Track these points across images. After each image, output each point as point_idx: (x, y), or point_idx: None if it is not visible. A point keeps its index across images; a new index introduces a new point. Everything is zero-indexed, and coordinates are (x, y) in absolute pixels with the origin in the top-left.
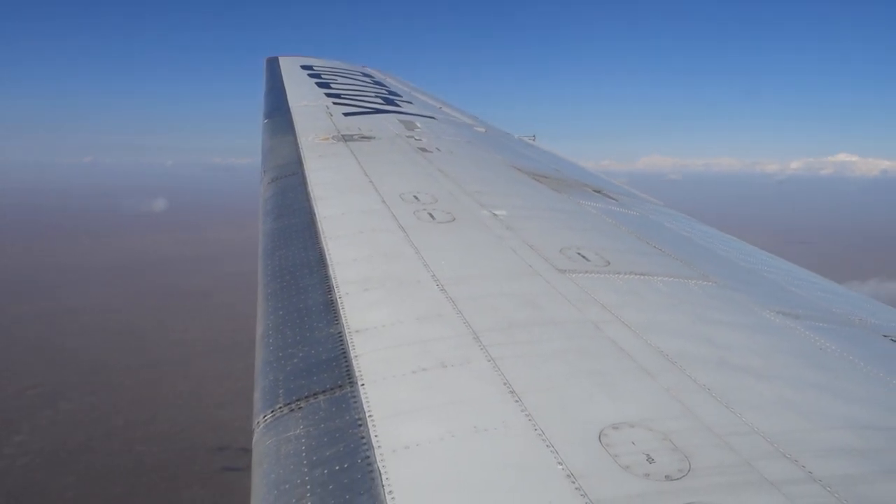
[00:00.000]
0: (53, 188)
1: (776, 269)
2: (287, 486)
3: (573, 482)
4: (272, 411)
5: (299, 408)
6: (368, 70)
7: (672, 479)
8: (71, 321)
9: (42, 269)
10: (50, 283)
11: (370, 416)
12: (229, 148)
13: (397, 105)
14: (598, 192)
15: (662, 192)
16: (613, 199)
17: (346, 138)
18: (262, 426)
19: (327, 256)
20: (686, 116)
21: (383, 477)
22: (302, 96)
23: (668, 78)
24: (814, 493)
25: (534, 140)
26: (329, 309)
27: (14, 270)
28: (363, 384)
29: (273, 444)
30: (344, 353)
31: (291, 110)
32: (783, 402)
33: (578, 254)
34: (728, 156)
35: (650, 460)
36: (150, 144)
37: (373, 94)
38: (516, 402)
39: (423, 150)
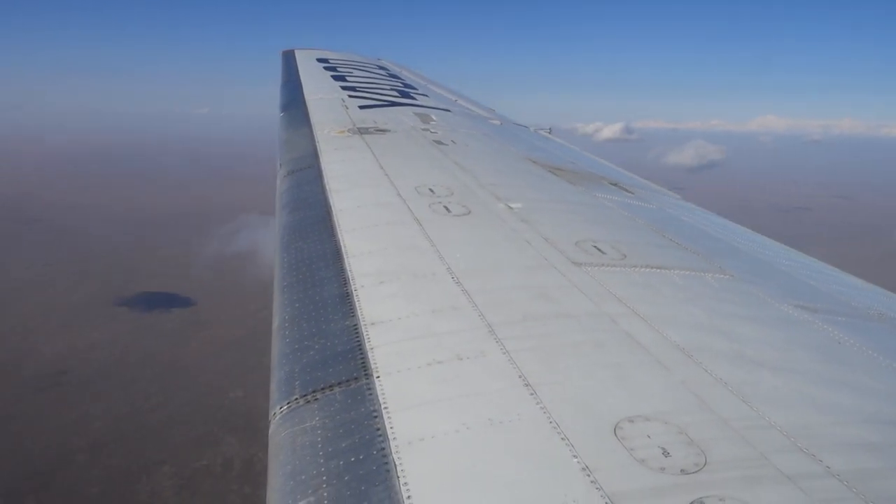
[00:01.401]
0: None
1: (794, 262)
2: (303, 477)
3: (588, 475)
4: (288, 403)
5: (315, 399)
6: (384, 62)
7: (687, 473)
8: None
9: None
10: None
11: (385, 407)
12: None
13: (413, 98)
14: (615, 184)
15: (801, 154)
16: (630, 191)
17: (362, 131)
18: (278, 417)
19: (343, 249)
20: (807, 72)
21: (398, 468)
22: (318, 89)
23: (788, 28)
24: (830, 488)
25: (549, 133)
26: (344, 301)
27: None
28: (378, 376)
29: (289, 435)
30: (359, 345)
31: (307, 103)
32: (800, 395)
33: (594, 247)
34: (850, 117)
35: (666, 454)
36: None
37: (388, 87)
38: (531, 394)
39: (439, 142)
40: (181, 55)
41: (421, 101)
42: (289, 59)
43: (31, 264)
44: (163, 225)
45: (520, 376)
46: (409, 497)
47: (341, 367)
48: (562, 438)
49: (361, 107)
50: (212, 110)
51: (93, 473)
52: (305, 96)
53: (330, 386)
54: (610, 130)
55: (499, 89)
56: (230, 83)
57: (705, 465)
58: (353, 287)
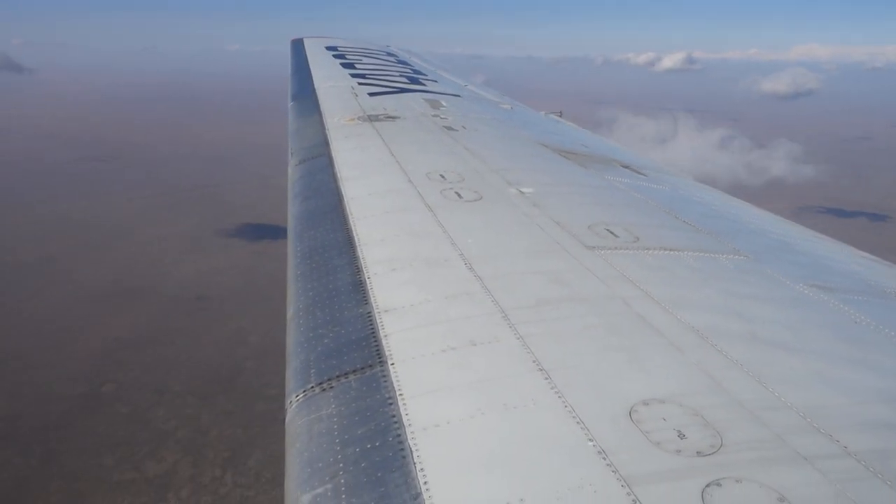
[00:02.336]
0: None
1: (810, 241)
2: (320, 465)
3: (604, 458)
4: (304, 391)
5: (331, 387)
6: (392, 49)
7: (704, 455)
8: None
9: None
10: None
11: (400, 394)
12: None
13: (422, 84)
14: (627, 167)
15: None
16: (642, 174)
17: (372, 118)
18: (294, 406)
19: (355, 237)
20: None
21: (414, 454)
22: (327, 77)
23: None
24: (848, 468)
25: (560, 116)
26: (358, 289)
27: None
28: (393, 363)
29: (305, 423)
30: (373, 332)
31: (317, 91)
32: (816, 375)
33: (607, 230)
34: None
35: (681, 436)
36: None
37: (397, 74)
38: (546, 379)
39: (449, 128)
40: None
41: (430, 86)
42: (298, 48)
43: (127, 200)
44: (236, 158)
45: (534, 361)
46: (425, 482)
47: (356, 354)
48: (577, 422)
49: (371, 94)
50: (242, 46)
51: (266, 378)
52: (315, 85)
53: (345, 374)
54: (671, 60)
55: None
56: (252, 19)
57: (721, 446)
58: (366, 275)
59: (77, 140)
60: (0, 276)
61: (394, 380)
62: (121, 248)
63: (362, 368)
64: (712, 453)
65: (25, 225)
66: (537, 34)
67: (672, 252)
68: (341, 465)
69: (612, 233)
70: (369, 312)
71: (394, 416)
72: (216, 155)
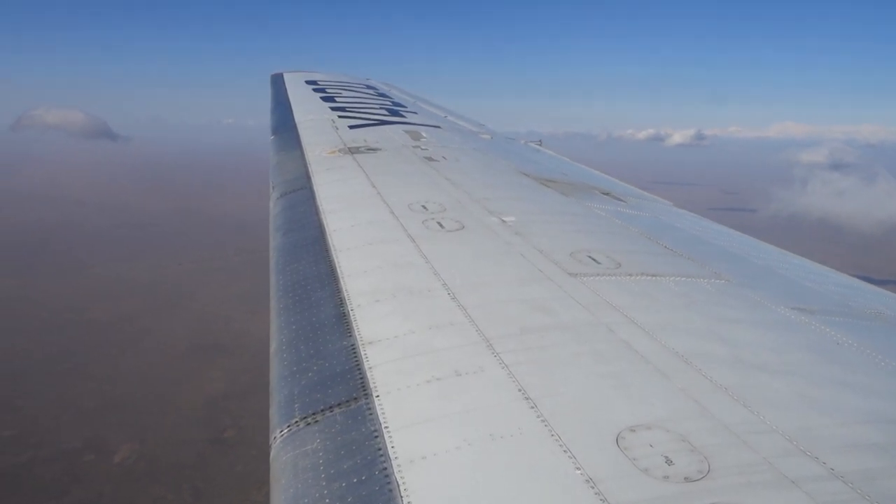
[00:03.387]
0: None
1: (790, 264)
2: (306, 501)
3: (592, 487)
4: (288, 426)
5: (315, 421)
6: (372, 82)
7: (692, 481)
8: None
9: None
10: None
11: (386, 427)
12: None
13: (402, 115)
14: (607, 194)
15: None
16: (622, 200)
17: (353, 151)
18: (278, 441)
19: (338, 269)
20: (825, 79)
21: (401, 488)
22: (307, 111)
23: (804, 33)
24: (836, 490)
25: (540, 145)
26: (341, 322)
27: None
28: (378, 395)
29: (290, 458)
30: (358, 365)
31: (297, 125)
32: (801, 398)
33: (589, 257)
34: (871, 122)
35: (669, 462)
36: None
37: (377, 106)
38: (531, 408)
39: (430, 159)
40: (196, 69)
41: (410, 118)
42: (278, 82)
43: (177, 264)
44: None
45: (519, 390)
46: None
47: (340, 387)
48: (564, 451)
49: (351, 126)
50: (236, 121)
51: None
52: (295, 118)
53: (329, 407)
54: (681, 136)
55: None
56: (248, 94)
57: (709, 471)
58: (349, 307)
59: (112, 207)
60: (83, 333)
61: (379, 412)
62: (188, 307)
63: (347, 402)
64: (700, 479)
65: (95, 286)
66: (536, 108)
67: (654, 277)
68: (327, 500)
69: (594, 259)
70: (353, 345)
71: (380, 450)
72: (238, 222)
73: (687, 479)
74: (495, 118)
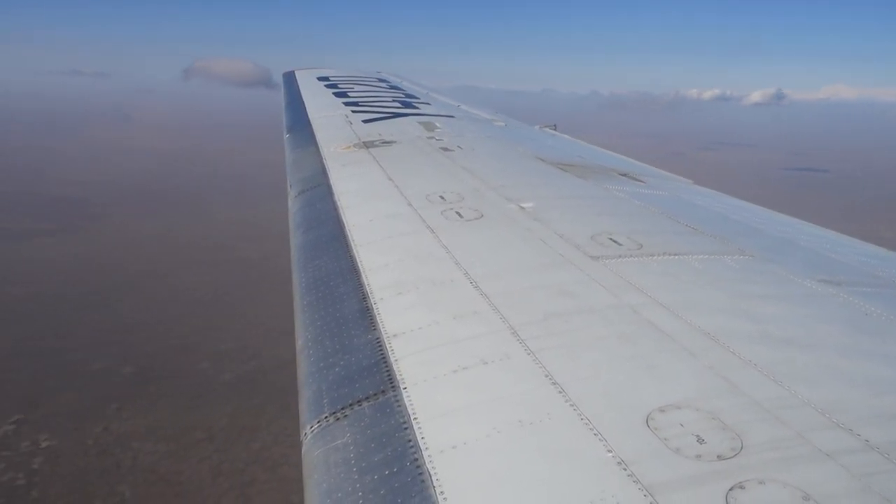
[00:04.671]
0: None
1: (814, 236)
2: (340, 495)
3: (624, 469)
4: (318, 421)
5: (344, 416)
6: (384, 75)
7: (725, 459)
8: None
9: None
10: None
11: (415, 418)
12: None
13: (415, 107)
14: (625, 175)
15: None
16: (641, 181)
17: (368, 145)
18: (309, 437)
19: (359, 264)
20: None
21: (433, 478)
22: (321, 107)
23: None
24: (872, 462)
25: (555, 129)
26: (365, 316)
27: None
28: (405, 387)
29: (322, 453)
30: (384, 358)
31: (312, 122)
32: (831, 370)
33: (610, 239)
34: None
35: (700, 441)
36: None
37: (390, 99)
38: (559, 393)
39: (445, 149)
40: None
41: (424, 109)
42: (290, 80)
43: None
44: None
45: (546, 375)
46: None
47: (367, 381)
48: (594, 434)
49: (365, 121)
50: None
51: None
52: (309, 115)
53: (358, 401)
54: (760, 95)
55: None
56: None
57: (742, 449)
58: (372, 301)
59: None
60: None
61: (407, 404)
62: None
63: (375, 395)
64: (733, 456)
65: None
66: (601, 70)
67: (676, 256)
68: (360, 493)
69: (615, 241)
70: (378, 338)
71: (410, 441)
72: None
73: (720, 457)
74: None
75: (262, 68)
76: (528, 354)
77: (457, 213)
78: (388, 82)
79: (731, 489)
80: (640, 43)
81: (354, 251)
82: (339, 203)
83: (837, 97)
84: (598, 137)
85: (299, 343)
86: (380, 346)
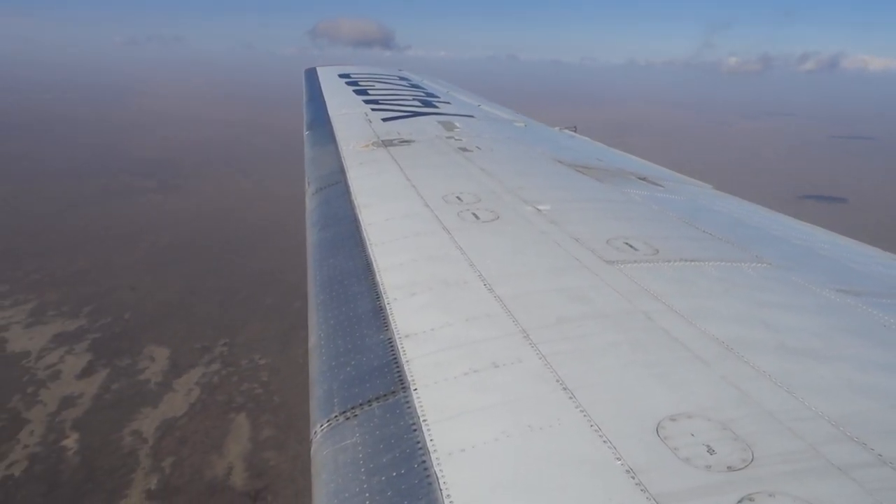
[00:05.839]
0: None
1: (833, 245)
2: (347, 495)
3: (633, 477)
4: (328, 420)
5: (354, 416)
6: (404, 73)
7: (735, 470)
8: None
9: None
10: None
11: (424, 420)
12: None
13: (435, 106)
14: (643, 179)
15: None
16: (659, 185)
17: (386, 143)
18: (319, 436)
19: (374, 263)
20: None
21: (440, 481)
22: (341, 105)
23: None
24: (884, 476)
25: (575, 131)
26: (378, 315)
27: None
28: (416, 389)
29: (331, 453)
30: (395, 358)
31: (331, 120)
32: (847, 383)
33: (626, 244)
34: None
35: (711, 451)
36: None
37: (410, 98)
38: (570, 398)
39: (464, 149)
40: None
41: (444, 108)
42: (311, 77)
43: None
44: None
45: (557, 380)
46: None
47: (378, 381)
48: (604, 441)
49: (385, 119)
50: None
51: None
52: (329, 112)
53: (368, 401)
54: (812, 63)
55: None
56: None
57: (752, 460)
58: (385, 301)
59: None
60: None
61: (417, 405)
62: None
63: (385, 395)
64: (743, 467)
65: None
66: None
67: (693, 263)
68: (367, 494)
69: (631, 246)
70: (390, 338)
71: (418, 443)
72: None
73: (730, 468)
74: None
75: (387, 29)
76: (540, 358)
77: (473, 214)
78: (409, 80)
79: (740, 501)
80: (680, 9)
81: (369, 250)
82: (355, 202)
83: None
84: (636, 108)
85: (312, 341)
86: (392, 346)
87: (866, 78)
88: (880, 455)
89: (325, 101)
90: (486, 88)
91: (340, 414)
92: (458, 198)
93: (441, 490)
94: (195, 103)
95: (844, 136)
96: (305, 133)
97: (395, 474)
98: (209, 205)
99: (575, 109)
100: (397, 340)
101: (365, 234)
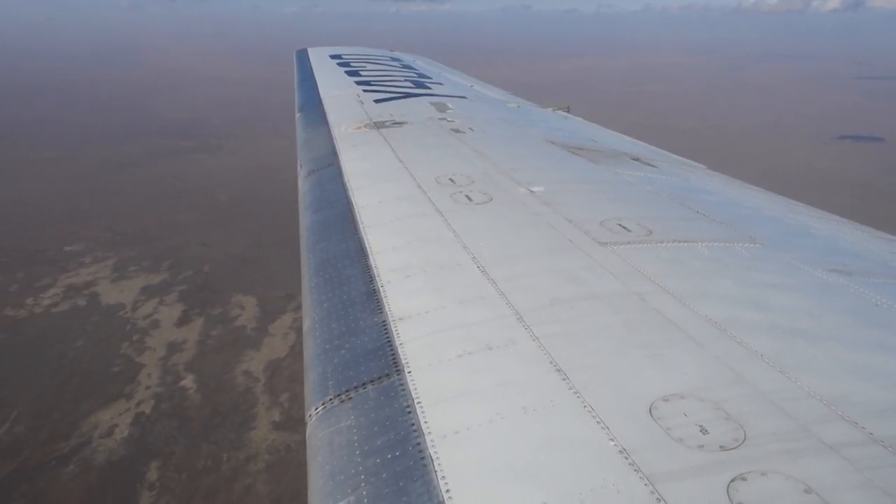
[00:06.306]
0: None
1: (827, 224)
2: (342, 477)
3: (626, 458)
4: (323, 403)
5: (349, 398)
6: (397, 54)
7: (727, 449)
8: None
9: None
10: None
11: (418, 402)
12: None
13: (428, 87)
14: (637, 159)
15: None
16: (653, 165)
17: (378, 125)
18: (314, 419)
19: (367, 246)
20: None
21: (435, 462)
22: (333, 86)
23: None
24: (875, 455)
25: (568, 112)
26: (372, 298)
27: None
28: (410, 371)
29: (326, 435)
30: (389, 341)
31: (323, 101)
32: (838, 363)
33: (619, 225)
34: None
35: (704, 431)
36: None
37: (402, 79)
38: (563, 380)
39: (457, 130)
40: None
41: (436, 90)
42: (302, 58)
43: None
44: None
45: (551, 362)
46: (447, 490)
47: (372, 364)
48: (597, 422)
49: (377, 101)
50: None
51: None
52: (321, 94)
53: (363, 384)
54: (836, 1)
55: None
56: None
57: (745, 440)
58: (379, 283)
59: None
60: None
61: (411, 388)
62: None
63: (379, 378)
64: (736, 447)
65: None
66: None
67: (686, 244)
68: (363, 476)
69: (624, 227)
70: (384, 321)
71: (413, 425)
72: None
73: (722, 448)
74: None
75: None
76: (534, 340)
77: (466, 196)
78: (401, 61)
79: (732, 480)
80: None
81: (363, 233)
82: (348, 184)
83: None
84: (654, 55)
85: (306, 324)
86: (386, 329)
87: (889, 15)
88: (871, 434)
89: (316, 83)
90: (499, 46)
91: (335, 397)
92: (451, 180)
93: (436, 472)
94: (209, 64)
95: (868, 77)
96: (297, 115)
97: (389, 456)
98: (253, 162)
99: (585, 60)
100: (391, 323)
101: (358, 217)
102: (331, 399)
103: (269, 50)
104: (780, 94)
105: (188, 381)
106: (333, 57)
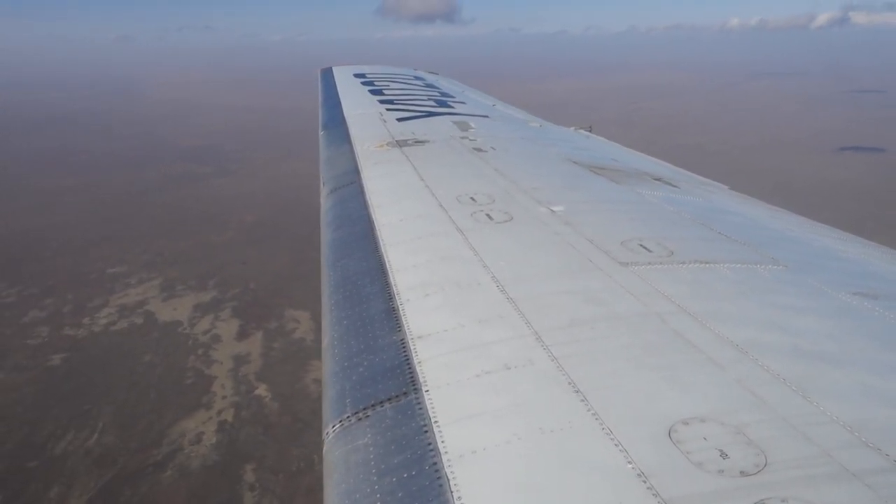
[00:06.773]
0: None
1: (851, 246)
2: (358, 496)
3: (644, 481)
4: (340, 421)
5: (366, 416)
6: (420, 73)
7: (748, 475)
8: None
9: None
10: None
11: (436, 422)
12: None
13: (450, 106)
14: (658, 179)
15: None
16: (675, 186)
17: (401, 143)
18: (331, 436)
19: (387, 264)
20: None
21: (451, 483)
22: (356, 105)
23: None
24: None
25: (591, 131)
26: (391, 316)
27: None
28: (427, 390)
29: (342, 453)
30: (407, 359)
31: (346, 120)
32: (862, 388)
33: (640, 245)
34: None
35: (724, 455)
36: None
37: (425, 98)
38: (582, 401)
39: (478, 150)
40: None
41: (458, 108)
42: (327, 77)
43: None
44: None
45: (569, 383)
46: None
47: (390, 382)
48: (615, 444)
49: (399, 119)
50: (286, 37)
51: None
52: (344, 112)
53: (380, 402)
54: (824, 18)
55: None
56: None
57: (766, 465)
58: (398, 301)
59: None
60: None
61: (429, 407)
62: None
63: (397, 396)
64: (756, 472)
65: None
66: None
67: (708, 265)
68: (378, 495)
69: (645, 248)
70: (403, 339)
71: (430, 444)
72: None
73: (743, 473)
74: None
75: (451, 3)
76: (552, 361)
77: (487, 215)
78: (424, 80)
79: None
80: None
81: (383, 251)
82: (370, 202)
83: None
84: (642, 76)
85: (325, 341)
86: (404, 347)
87: (874, 31)
88: (895, 461)
89: (340, 101)
90: (491, 69)
91: (353, 414)
92: (472, 198)
93: (452, 492)
94: (211, 93)
95: (855, 91)
96: (321, 133)
97: (406, 476)
98: (271, 184)
99: (581, 80)
100: (410, 341)
101: (379, 235)
102: (348, 417)
103: (268, 77)
104: (776, 110)
105: (262, 391)
106: (357, 76)
